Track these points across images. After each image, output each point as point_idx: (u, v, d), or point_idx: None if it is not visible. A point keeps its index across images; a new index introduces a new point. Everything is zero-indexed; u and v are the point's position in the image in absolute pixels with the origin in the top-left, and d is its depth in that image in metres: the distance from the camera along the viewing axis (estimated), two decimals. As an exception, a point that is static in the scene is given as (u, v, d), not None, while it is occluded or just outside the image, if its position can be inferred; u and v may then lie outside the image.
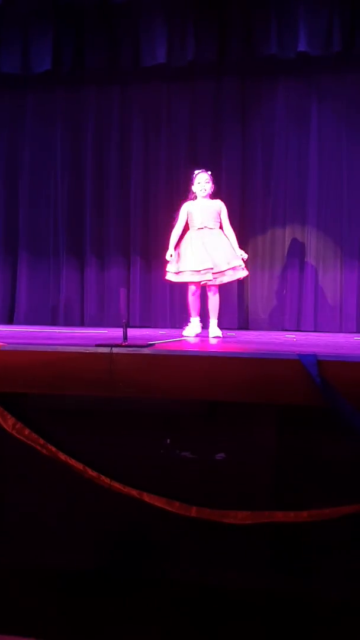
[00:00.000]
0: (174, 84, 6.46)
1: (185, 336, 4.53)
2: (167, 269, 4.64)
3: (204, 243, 4.49)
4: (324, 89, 6.19)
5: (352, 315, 6.09)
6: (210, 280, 4.47)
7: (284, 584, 2.62)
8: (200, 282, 4.51)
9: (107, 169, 6.62)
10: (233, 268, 4.50)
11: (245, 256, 4.63)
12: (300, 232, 6.28)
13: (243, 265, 4.58)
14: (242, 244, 6.33)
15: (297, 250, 6.29)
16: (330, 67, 6.08)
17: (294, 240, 6.31)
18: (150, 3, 5.78)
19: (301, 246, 6.29)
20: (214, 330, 4.53)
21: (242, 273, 4.60)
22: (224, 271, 4.47)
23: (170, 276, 4.63)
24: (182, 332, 4.72)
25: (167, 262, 4.63)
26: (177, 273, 4.55)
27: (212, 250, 4.46)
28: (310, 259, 6.24)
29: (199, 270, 4.44)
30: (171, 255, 4.56)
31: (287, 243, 6.32)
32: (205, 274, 4.44)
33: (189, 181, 4.88)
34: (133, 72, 6.34)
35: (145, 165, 6.54)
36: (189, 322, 4.69)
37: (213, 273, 4.44)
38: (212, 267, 4.43)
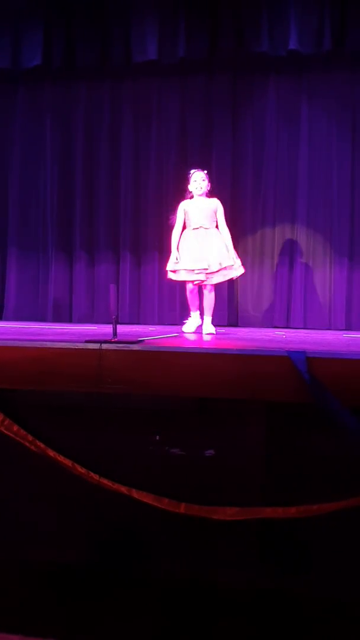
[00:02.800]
0: (165, 80, 6.46)
1: (185, 332, 4.57)
2: (167, 268, 4.68)
3: (199, 242, 4.53)
4: (314, 87, 6.20)
5: (341, 313, 6.13)
6: (203, 280, 4.50)
7: (273, 580, 2.63)
8: (194, 281, 4.54)
9: (97, 165, 6.60)
10: (226, 268, 4.53)
11: (238, 261, 4.67)
12: (290, 230, 6.30)
13: (238, 263, 4.61)
14: (233, 242, 6.37)
15: (287, 248, 6.31)
16: (321, 66, 6.10)
17: (284, 238, 6.33)
18: (141, -1, 5.78)
19: (291, 244, 6.31)
20: (208, 327, 4.59)
21: (235, 272, 4.62)
22: (217, 271, 4.50)
23: (170, 274, 4.68)
24: (181, 327, 4.78)
25: (169, 261, 4.69)
26: (174, 272, 4.59)
27: (206, 250, 4.50)
28: (300, 257, 6.26)
29: (193, 270, 4.48)
30: (177, 258, 4.58)
31: (277, 241, 6.34)
32: (199, 273, 4.48)
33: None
34: (124, 68, 6.33)
35: (135, 161, 6.53)
36: (189, 316, 4.74)
37: (207, 273, 4.48)
38: (206, 267, 4.47)
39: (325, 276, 6.22)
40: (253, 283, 6.33)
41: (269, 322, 6.26)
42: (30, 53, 6.19)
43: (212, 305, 4.66)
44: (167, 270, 4.71)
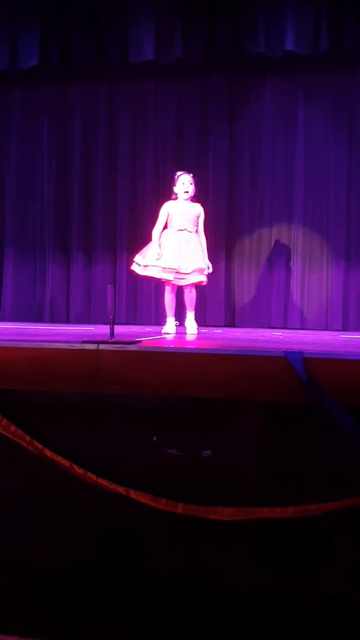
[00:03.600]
0: (162, 81, 6.47)
1: (164, 333, 4.56)
2: (135, 259, 4.63)
3: (178, 245, 4.52)
4: (310, 88, 6.22)
5: (338, 313, 6.14)
6: (171, 280, 4.53)
7: (271, 581, 2.63)
8: (161, 279, 4.56)
9: (94, 165, 6.61)
10: (198, 270, 4.52)
11: (210, 269, 4.65)
12: (286, 231, 6.31)
13: (206, 270, 4.60)
14: (230, 242, 6.39)
15: (283, 249, 6.32)
16: (317, 66, 6.12)
17: (281, 239, 6.34)
18: (138, 0, 5.77)
19: (288, 244, 6.32)
20: (190, 325, 4.62)
21: (201, 277, 4.60)
22: (187, 273, 4.50)
23: (134, 266, 4.63)
24: (161, 331, 4.77)
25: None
26: (145, 266, 4.56)
27: (184, 253, 4.50)
28: (297, 257, 6.27)
29: (164, 268, 4.48)
30: (159, 254, 4.56)
31: (274, 241, 6.35)
32: (168, 272, 4.48)
33: (174, 179, 4.88)
34: (120, 68, 6.34)
35: (132, 162, 6.54)
36: (165, 323, 4.73)
37: (177, 272, 4.48)
38: (176, 268, 4.47)
39: (322, 277, 6.23)
40: (250, 284, 6.34)
41: (266, 322, 6.26)
42: (27, 54, 6.19)
43: (194, 302, 4.67)
44: (133, 261, 4.64)
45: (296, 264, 6.27)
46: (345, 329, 6.05)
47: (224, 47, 5.94)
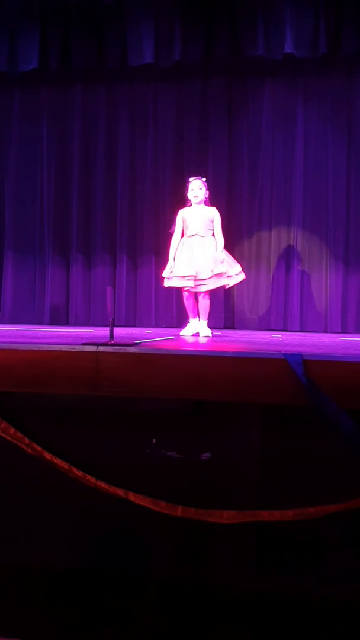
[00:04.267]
0: (161, 84, 6.47)
1: (182, 335, 4.59)
2: (163, 275, 4.69)
3: (192, 250, 4.54)
4: (309, 91, 6.23)
5: (337, 316, 6.14)
6: (191, 287, 4.53)
7: (272, 583, 2.63)
8: (183, 288, 4.57)
9: (93, 168, 6.61)
10: (217, 275, 4.53)
11: (239, 272, 4.67)
12: (286, 234, 6.31)
13: (234, 271, 4.61)
14: (229, 245, 6.37)
15: (283, 252, 6.32)
16: (316, 69, 6.13)
17: (280, 242, 6.34)
18: (138, 3, 5.78)
19: (287, 247, 6.32)
20: (204, 330, 4.61)
21: (227, 281, 4.62)
22: (205, 279, 4.51)
23: (165, 281, 4.70)
24: (179, 332, 4.80)
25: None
26: (168, 278, 4.61)
27: (198, 258, 4.51)
28: (296, 260, 6.27)
29: (184, 277, 4.50)
30: (171, 268, 4.58)
31: (274, 244, 6.35)
32: (188, 280, 4.50)
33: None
34: (120, 71, 6.34)
35: (131, 164, 6.54)
36: (188, 322, 4.76)
37: (195, 280, 4.49)
38: (194, 274, 4.48)
39: (321, 279, 6.23)
40: (250, 286, 6.34)
41: (265, 325, 6.26)
42: (26, 56, 6.19)
43: (207, 311, 4.68)
44: (163, 277, 4.72)
45: (295, 267, 6.27)
46: (344, 331, 6.06)
47: (223, 49, 5.94)
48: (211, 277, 4.51)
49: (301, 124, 6.23)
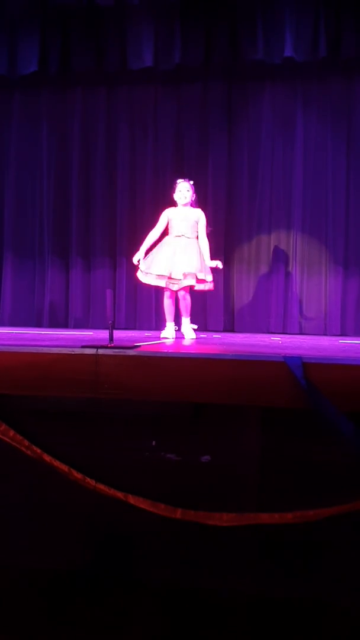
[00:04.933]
0: (161, 87, 6.49)
1: (163, 338, 4.58)
2: (139, 267, 4.67)
3: (174, 250, 4.55)
4: (309, 95, 6.24)
5: (336, 319, 6.15)
6: (162, 287, 4.58)
7: (270, 586, 2.62)
8: (157, 286, 4.63)
9: (93, 171, 6.62)
10: (189, 275, 4.51)
11: (220, 265, 4.67)
12: (285, 237, 6.33)
13: (209, 279, 4.59)
14: (228, 248, 6.40)
15: (282, 255, 6.33)
16: (316, 73, 6.14)
17: (280, 245, 6.35)
18: (138, 6, 5.80)
19: (287, 250, 6.33)
20: (187, 329, 4.65)
21: (202, 286, 4.60)
22: (179, 279, 4.51)
23: (138, 273, 4.68)
24: (159, 334, 4.78)
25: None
26: (145, 273, 4.59)
27: (178, 258, 4.51)
28: (296, 263, 6.28)
29: (159, 275, 4.51)
30: (138, 260, 4.60)
31: (273, 247, 6.36)
32: (159, 279, 4.52)
33: (175, 184, 4.89)
34: (120, 74, 6.36)
35: (131, 168, 6.55)
36: (165, 327, 4.74)
37: (168, 278, 4.50)
38: (167, 274, 4.49)
39: (320, 282, 6.24)
40: (249, 289, 6.35)
41: (265, 327, 6.27)
42: (26, 59, 6.20)
43: (189, 308, 4.68)
44: (137, 268, 4.67)
45: (295, 270, 6.28)
46: (343, 334, 6.06)
47: (223, 53, 5.96)
48: (187, 277, 4.51)
49: (301, 128, 6.25)
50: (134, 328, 6.40)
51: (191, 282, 4.54)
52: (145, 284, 4.71)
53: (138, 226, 6.49)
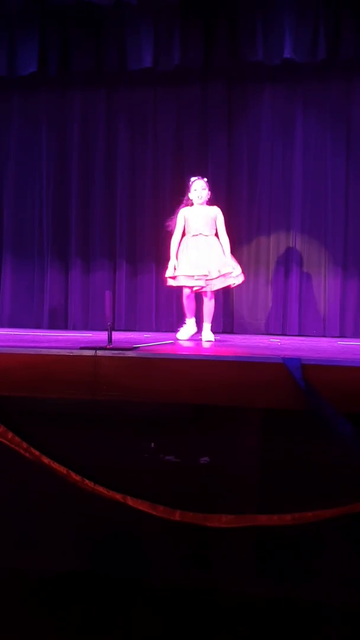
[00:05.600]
0: (160, 88, 6.48)
1: (179, 339, 4.56)
2: (166, 275, 4.66)
3: (198, 249, 4.54)
4: (309, 96, 6.24)
5: (335, 320, 6.14)
6: (203, 286, 4.52)
7: (269, 588, 2.62)
8: (193, 287, 4.56)
9: (92, 172, 6.61)
10: (224, 275, 4.53)
11: (238, 270, 4.65)
12: (285, 238, 6.32)
13: (236, 272, 4.59)
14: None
15: (282, 256, 6.33)
16: (316, 74, 6.14)
17: (279, 246, 6.35)
18: (137, 7, 5.79)
19: (286, 252, 6.33)
20: (207, 334, 4.59)
21: (232, 280, 4.61)
22: (215, 278, 4.51)
23: (169, 281, 4.66)
24: (176, 334, 4.75)
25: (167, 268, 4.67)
26: (173, 278, 4.59)
27: (205, 257, 4.51)
28: (295, 265, 6.28)
29: (193, 276, 4.49)
30: (175, 266, 4.57)
31: (272, 249, 6.36)
32: (198, 279, 4.50)
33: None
34: (119, 75, 6.35)
35: (131, 169, 6.55)
36: (184, 323, 4.72)
37: (206, 280, 4.48)
38: (206, 273, 4.47)
39: (319, 284, 6.24)
40: (248, 290, 6.34)
41: (264, 329, 6.26)
42: (25, 60, 6.19)
43: (212, 312, 4.66)
44: (166, 278, 4.69)
45: (294, 272, 6.27)
46: (342, 335, 6.06)
47: (222, 54, 5.95)
48: (218, 277, 4.51)
49: (300, 129, 6.24)
50: (133, 330, 6.39)
51: (227, 282, 4.54)
52: (176, 287, 4.67)
53: (138, 227, 6.49)
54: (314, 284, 6.24)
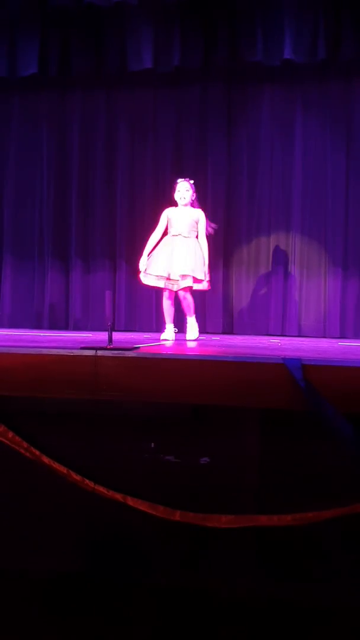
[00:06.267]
0: (160, 89, 6.49)
1: (162, 340, 4.57)
2: (139, 268, 4.68)
3: (173, 250, 4.55)
4: (308, 97, 6.25)
5: (335, 321, 6.14)
6: (162, 287, 4.58)
7: (269, 588, 2.62)
8: (156, 287, 4.62)
9: (93, 173, 6.62)
10: (191, 277, 4.50)
11: (206, 277, 4.62)
12: (284, 239, 6.32)
13: (206, 278, 4.58)
14: (228, 250, 6.40)
15: (281, 257, 6.33)
16: (315, 75, 6.15)
17: (279, 247, 6.35)
18: (137, 8, 5.80)
19: (286, 253, 6.33)
20: (191, 329, 4.64)
21: (199, 285, 4.59)
22: (178, 280, 4.51)
23: (140, 275, 4.69)
24: (159, 336, 4.77)
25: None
26: (145, 274, 4.61)
27: (177, 258, 4.51)
28: (295, 266, 6.28)
29: (158, 276, 4.52)
30: (146, 264, 4.61)
31: (272, 249, 6.36)
32: (159, 280, 4.55)
33: (175, 186, 4.89)
34: (119, 76, 6.36)
35: (131, 169, 6.55)
36: (164, 329, 4.73)
37: (167, 279, 4.51)
38: (166, 275, 4.50)
39: (319, 285, 6.24)
40: (248, 291, 6.35)
41: (264, 329, 6.26)
42: (26, 61, 6.20)
43: (191, 307, 4.66)
44: (139, 270, 4.68)
45: (294, 272, 6.28)
46: (342, 336, 6.06)
47: (222, 55, 5.96)
48: (185, 277, 4.50)
49: (300, 130, 6.25)
50: (134, 330, 6.40)
51: (188, 282, 4.53)
52: (147, 285, 4.71)
53: (138, 228, 6.49)
54: (313, 284, 6.24)
